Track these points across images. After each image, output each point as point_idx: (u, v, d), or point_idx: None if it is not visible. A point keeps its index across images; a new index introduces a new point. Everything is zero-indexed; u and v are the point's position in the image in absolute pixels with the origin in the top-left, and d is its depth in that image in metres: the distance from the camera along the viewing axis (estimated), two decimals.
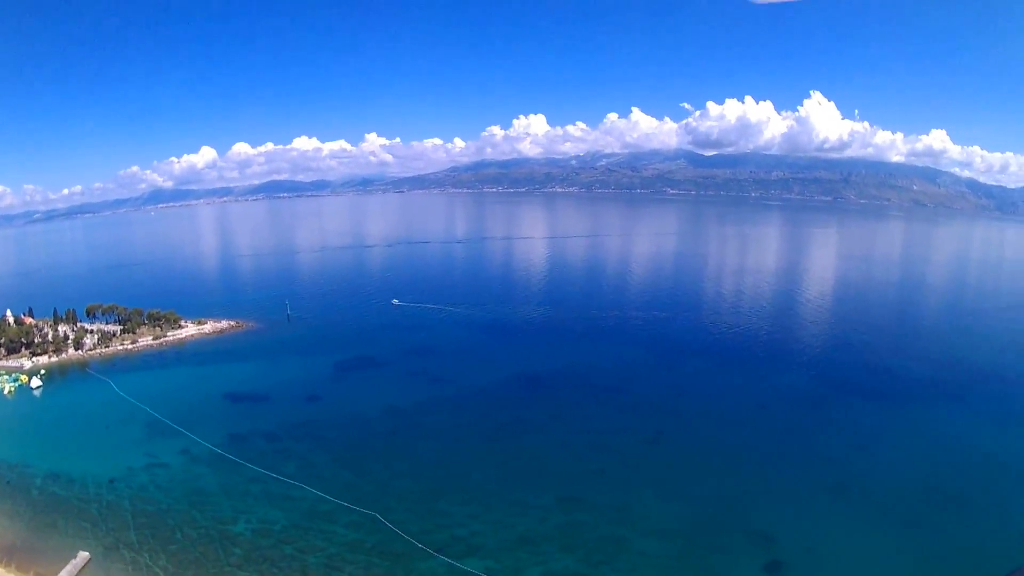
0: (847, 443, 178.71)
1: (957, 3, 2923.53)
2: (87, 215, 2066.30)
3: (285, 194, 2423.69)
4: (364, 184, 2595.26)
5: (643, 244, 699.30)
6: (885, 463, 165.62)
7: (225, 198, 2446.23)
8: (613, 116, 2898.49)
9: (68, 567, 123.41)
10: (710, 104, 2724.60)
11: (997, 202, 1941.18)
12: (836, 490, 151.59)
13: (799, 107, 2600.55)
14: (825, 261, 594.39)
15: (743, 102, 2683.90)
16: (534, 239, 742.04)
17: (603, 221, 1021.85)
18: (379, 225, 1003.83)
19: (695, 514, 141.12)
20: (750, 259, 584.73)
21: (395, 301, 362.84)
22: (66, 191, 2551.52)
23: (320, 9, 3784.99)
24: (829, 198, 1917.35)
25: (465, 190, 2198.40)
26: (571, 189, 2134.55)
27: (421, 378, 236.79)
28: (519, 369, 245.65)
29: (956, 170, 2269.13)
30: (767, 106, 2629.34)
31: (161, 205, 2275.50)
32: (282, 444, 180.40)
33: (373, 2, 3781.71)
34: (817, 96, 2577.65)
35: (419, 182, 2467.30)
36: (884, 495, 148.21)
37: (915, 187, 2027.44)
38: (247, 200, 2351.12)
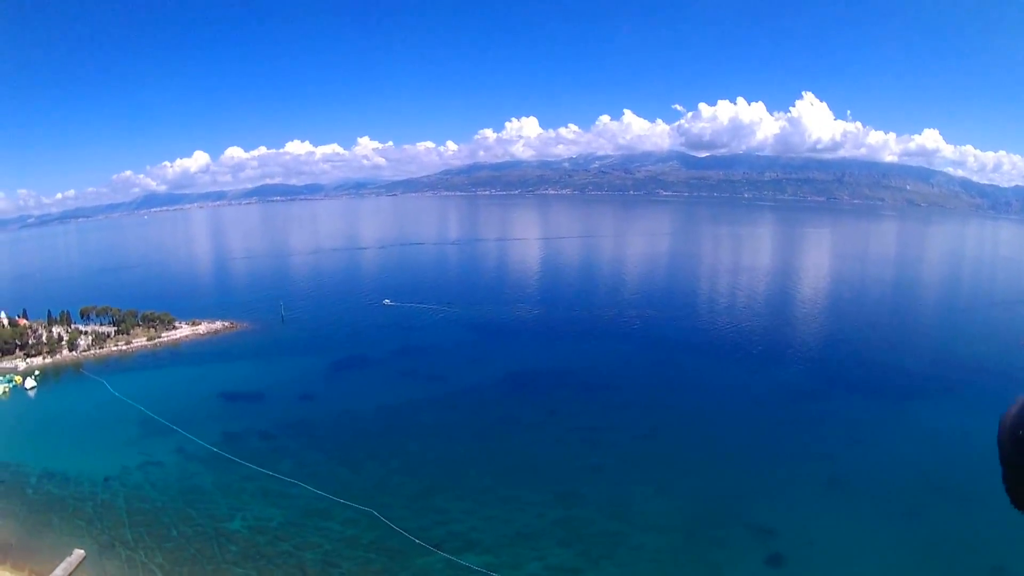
0: (843, 437, 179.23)
1: (949, 2, 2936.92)
2: (81, 219, 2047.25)
3: (278, 197, 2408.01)
4: (357, 187, 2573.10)
5: (637, 245, 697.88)
6: (882, 456, 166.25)
7: (219, 202, 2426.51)
8: (605, 118, 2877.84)
9: (63, 564, 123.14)
10: (702, 105, 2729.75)
11: (991, 201, 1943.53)
12: (834, 483, 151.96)
13: (791, 108, 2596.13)
14: (819, 260, 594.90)
15: (735, 103, 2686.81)
16: (527, 240, 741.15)
17: (596, 222, 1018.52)
18: (372, 228, 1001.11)
19: (693, 508, 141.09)
20: (744, 259, 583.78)
21: (387, 301, 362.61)
22: (60, 195, 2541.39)
23: (312, 13, 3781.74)
24: (822, 198, 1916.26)
25: (458, 193, 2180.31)
26: (564, 191, 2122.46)
27: (415, 377, 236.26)
28: (513, 368, 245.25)
29: (949, 169, 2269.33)
30: (759, 107, 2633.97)
31: (155, 209, 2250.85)
32: (277, 442, 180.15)
33: (364, 6, 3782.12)
34: (809, 97, 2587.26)
35: (412, 185, 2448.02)
36: (883, 487, 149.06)
37: (908, 187, 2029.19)
38: (240, 204, 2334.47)
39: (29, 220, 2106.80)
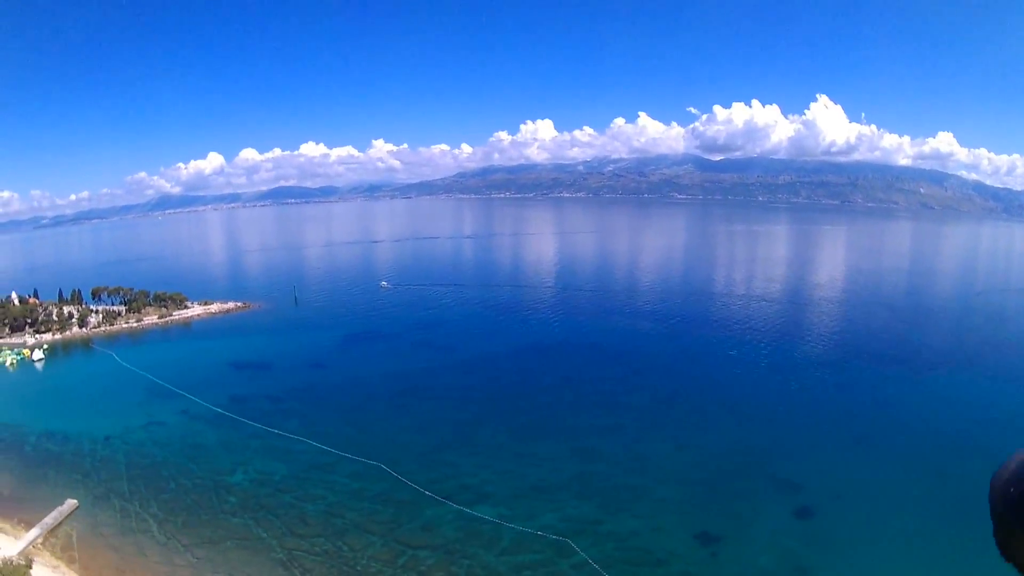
0: (868, 401, 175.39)
1: (963, 5, 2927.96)
2: (94, 221, 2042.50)
3: (293, 200, 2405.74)
4: (371, 190, 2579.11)
5: (652, 239, 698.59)
6: (909, 419, 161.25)
7: (233, 204, 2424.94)
8: (620, 121, 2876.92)
9: (54, 513, 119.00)
10: (716, 108, 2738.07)
11: (1004, 204, 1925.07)
12: (860, 442, 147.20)
13: (806, 110, 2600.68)
14: (836, 253, 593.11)
15: (750, 106, 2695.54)
16: (543, 235, 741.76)
17: (612, 221, 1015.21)
18: (387, 225, 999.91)
19: (715, 464, 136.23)
20: (760, 251, 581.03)
21: (384, 283, 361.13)
22: (73, 197, 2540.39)
23: (327, 15, 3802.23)
24: (836, 201, 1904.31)
25: (472, 195, 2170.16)
26: (579, 194, 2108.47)
27: (427, 348, 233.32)
28: (527, 340, 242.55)
29: (963, 173, 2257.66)
30: (774, 109, 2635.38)
31: (169, 211, 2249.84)
32: (285, 404, 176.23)
33: (381, 8, 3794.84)
34: (824, 99, 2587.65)
35: (426, 188, 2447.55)
36: (910, 447, 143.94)
37: (922, 190, 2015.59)
38: (255, 206, 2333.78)
39: (43, 221, 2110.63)
